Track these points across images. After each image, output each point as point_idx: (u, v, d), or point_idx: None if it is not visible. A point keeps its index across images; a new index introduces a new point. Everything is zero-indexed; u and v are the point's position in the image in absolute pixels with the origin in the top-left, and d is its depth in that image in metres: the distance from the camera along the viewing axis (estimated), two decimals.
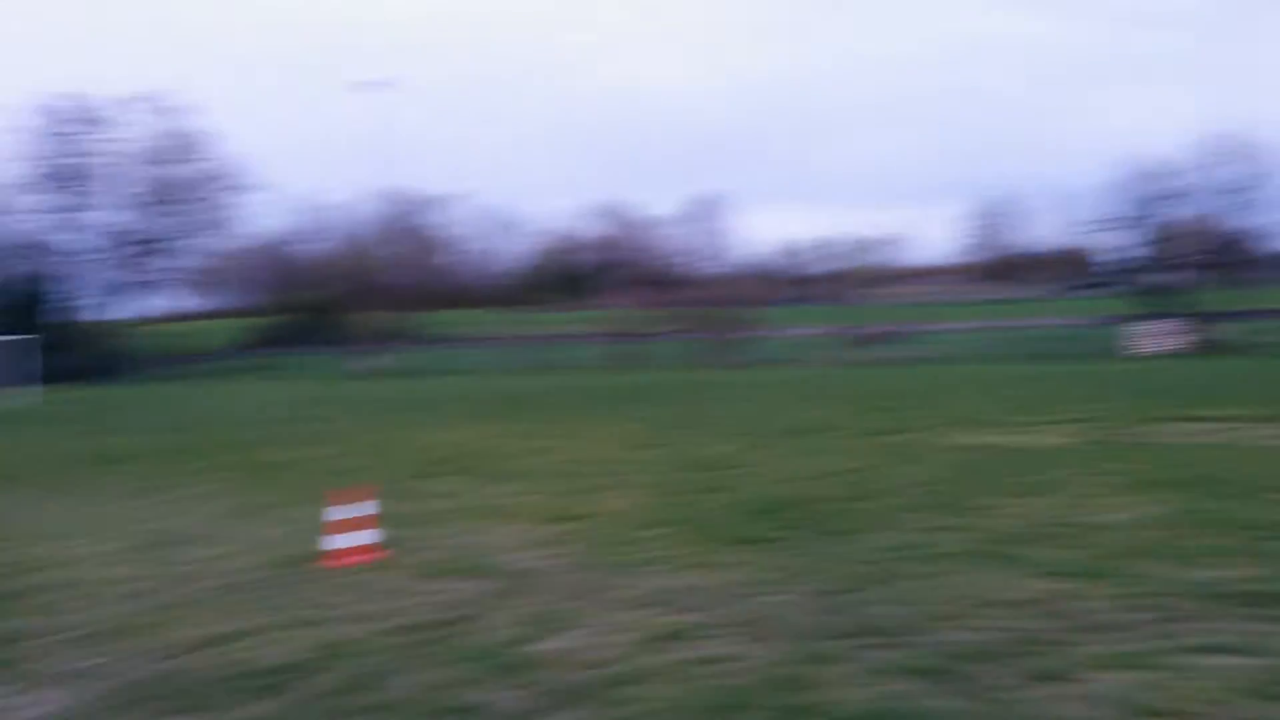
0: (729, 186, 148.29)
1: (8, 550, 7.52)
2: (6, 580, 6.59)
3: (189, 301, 66.89)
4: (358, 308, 50.28)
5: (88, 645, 5.13)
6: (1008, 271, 38.65)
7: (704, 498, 8.72)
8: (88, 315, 46.56)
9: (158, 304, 55.45)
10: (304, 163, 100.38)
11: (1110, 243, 36.13)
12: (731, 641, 4.84)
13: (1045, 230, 36.45)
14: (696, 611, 5.33)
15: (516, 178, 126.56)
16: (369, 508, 6.81)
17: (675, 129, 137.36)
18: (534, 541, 7.23)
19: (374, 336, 45.17)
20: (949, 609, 5.21)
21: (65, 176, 44.00)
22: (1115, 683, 4.10)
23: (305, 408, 22.07)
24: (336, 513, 6.64)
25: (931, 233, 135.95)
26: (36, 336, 31.33)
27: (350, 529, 6.66)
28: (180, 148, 45.08)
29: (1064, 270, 37.34)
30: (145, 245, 46.37)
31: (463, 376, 36.37)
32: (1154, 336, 31.32)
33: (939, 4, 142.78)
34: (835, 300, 48.71)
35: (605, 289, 51.01)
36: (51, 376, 31.15)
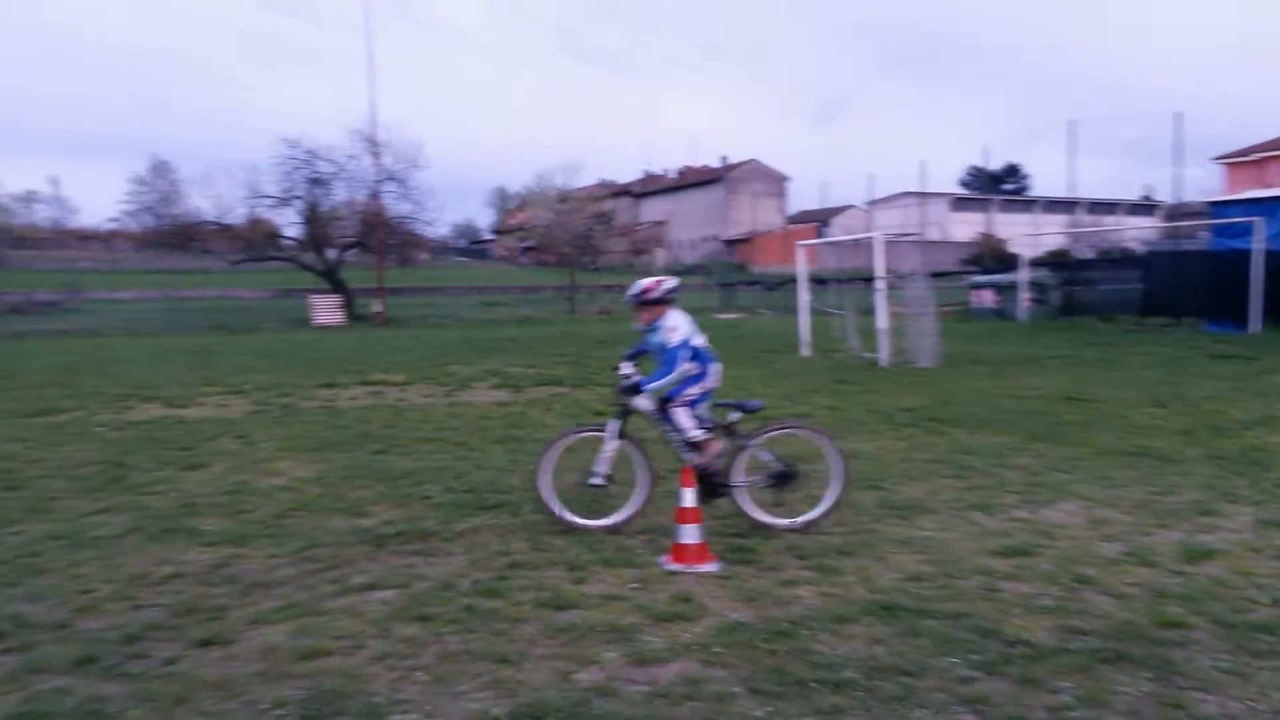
0: None
1: None
2: None
3: None
4: None
5: None
6: (180, 240, 37.15)
7: None
8: None
9: None
10: None
11: (283, 218, 37.44)
12: None
13: (217, 200, 35.85)
14: None
15: None
16: None
17: None
18: None
19: None
20: (108, 594, 4.94)
21: None
22: (276, 634, 4.37)
23: None
24: None
25: (91, 194, 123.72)
26: None
27: None
28: None
29: (239, 242, 37.40)
30: None
31: None
32: (327, 309, 33.56)
33: None
34: None
35: None
36: None
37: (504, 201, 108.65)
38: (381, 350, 21.33)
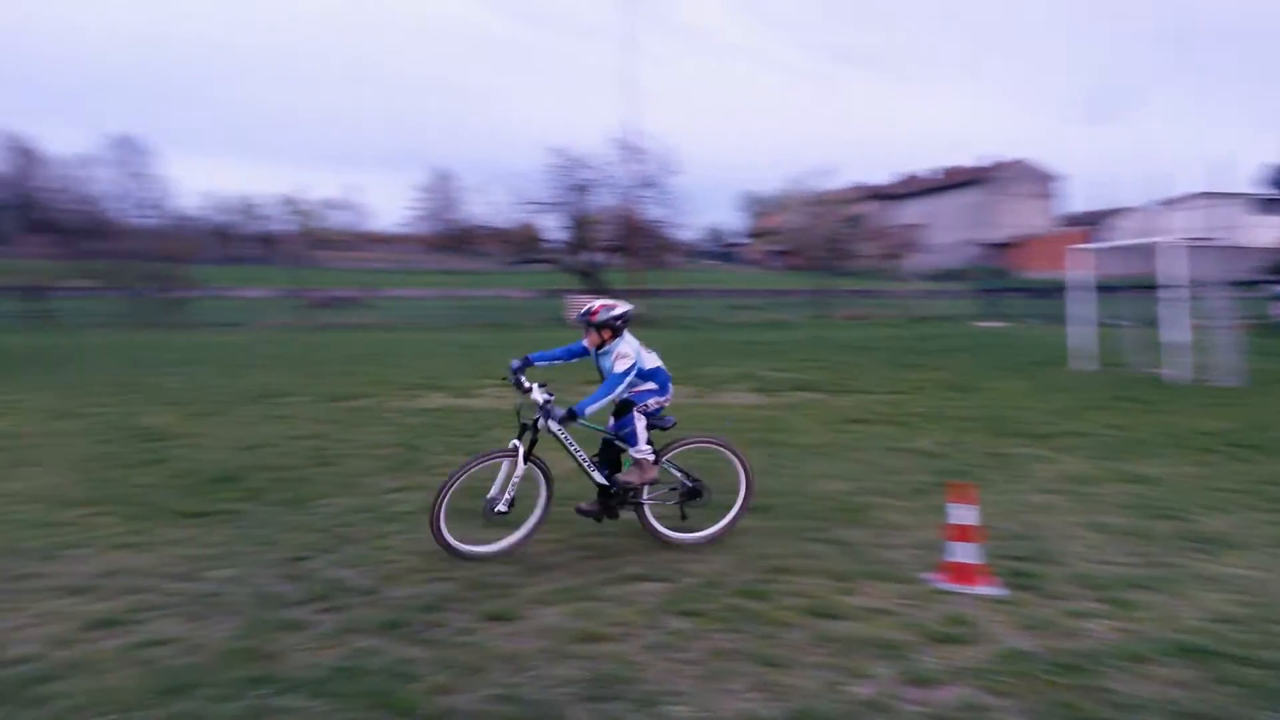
0: (156, 130, 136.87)
1: None
2: None
3: None
4: None
5: None
6: (458, 243, 40.37)
7: (141, 471, 7.90)
8: None
9: None
10: None
11: (546, 222, 39.68)
12: (178, 621, 4.53)
13: (490, 206, 38.77)
14: (137, 594, 4.87)
15: None
16: None
17: (87, 61, 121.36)
18: None
19: None
20: (408, 565, 5.42)
21: None
22: (556, 615, 4.63)
23: None
24: None
25: (383, 200, 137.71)
26: None
27: None
28: None
29: (509, 245, 40.08)
30: None
31: None
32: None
33: None
34: (286, 261, 46.49)
35: (7, 235, 42.56)
36: None
37: (754, 205, 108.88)
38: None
